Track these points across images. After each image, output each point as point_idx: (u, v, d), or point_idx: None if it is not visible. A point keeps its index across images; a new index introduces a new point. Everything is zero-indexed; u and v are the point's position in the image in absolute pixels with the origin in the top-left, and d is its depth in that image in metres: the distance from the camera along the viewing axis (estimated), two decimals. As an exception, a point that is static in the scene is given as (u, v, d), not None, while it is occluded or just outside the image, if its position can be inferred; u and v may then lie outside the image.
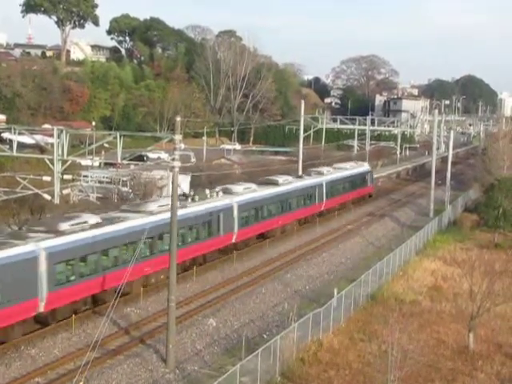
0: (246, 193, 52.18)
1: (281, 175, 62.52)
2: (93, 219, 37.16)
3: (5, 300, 29.62)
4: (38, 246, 32.22)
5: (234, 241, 49.17)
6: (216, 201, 47.85)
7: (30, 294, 31.28)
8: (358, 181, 76.91)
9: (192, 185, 64.30)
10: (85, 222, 36.30)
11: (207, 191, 48.99)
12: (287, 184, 59.19)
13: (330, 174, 69.69)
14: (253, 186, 54.61)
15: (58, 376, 28.90)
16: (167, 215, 34.06)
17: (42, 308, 32.28)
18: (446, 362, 32.99)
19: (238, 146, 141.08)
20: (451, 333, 36.85)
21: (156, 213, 40.83)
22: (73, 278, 34.31)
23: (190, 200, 46.19)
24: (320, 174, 68.32)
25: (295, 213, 59.75)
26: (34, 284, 31.45)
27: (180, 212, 35.88)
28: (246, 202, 50.59)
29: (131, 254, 36.15)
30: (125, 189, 62.50)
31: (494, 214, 63.36)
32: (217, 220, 46.83)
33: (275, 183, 57.91)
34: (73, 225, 35.44)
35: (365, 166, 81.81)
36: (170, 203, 31.19)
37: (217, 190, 50.46)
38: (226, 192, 50.76)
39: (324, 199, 65.55)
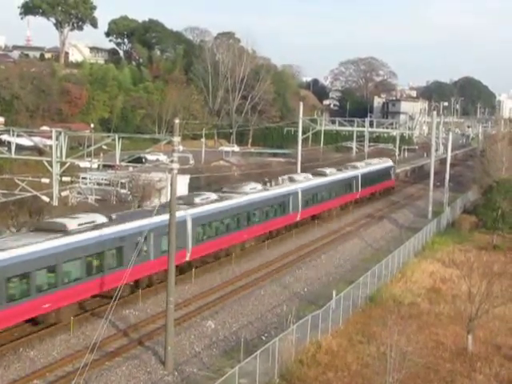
0: (306, 181, 62.65)
1: (328, 167, 73.77)
2: (213, 196, 48.50)
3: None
4: (187, 212, 42.77)
5: (298, 219, 59.33)
6: (287, 186, 58.10)
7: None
8: (384, 174, 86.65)
9: (190, 187, 64.32)
10: (208, 198, 47.54)
11: (280, 179, 59.35)
12: (333, 175, 69.62)
13: (363, 168, 78.95)
14: (309, 175, 65.08)
15: (56, 378, 28.89)
16: (256, 195, 52.28)
17: (188, 257, 42.85)
18: (445, 364, 33.00)
19: (236, 148, 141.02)
20: (450, 334, 36.86)
21: (249, 193, 52.10)
22: (206, 236, 45.35)
23: (269, 185, 56.88)
24: (355, 167, 77.68)
25: (340, 198, 70.36)
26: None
27: (265, 193, 53.94)
28: (306, 188, 60.91)
29: (237, 222, 49.24)
30: (123, 191, 62.48)
31: (492, 216, 63.41)
32: (288, 201, 57.18)
33: (324, 174, 68.11)
34: (202, 199, 46.55)
35: (389, 162, 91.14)
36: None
37: (283, 177, 60.62)
38: (292, 180, 61.09)
39: (360, 189, 75.55)
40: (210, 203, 47.26)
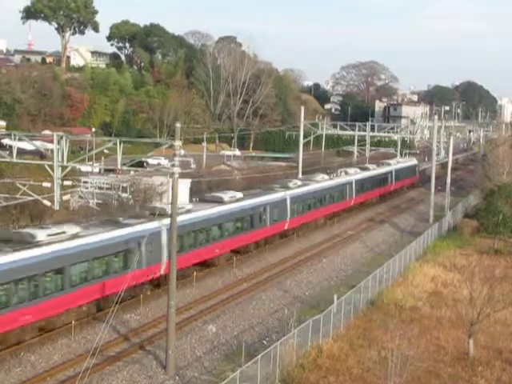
0: (359, 173, 76.87)
1: (370, 164, 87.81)
2: (299, 182, 62.51)
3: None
4: (286, 193, 57.27)
5: (352, 204, 71.98)
6: (344, 178, 71.63)
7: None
8: (411, 170, 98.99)
9: (191, 191, 64.27)
10: (296, 183, 61.67)
11: (338, 171, 73.91)
12: (375, 170, 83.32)
13: (395, 165, 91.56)
14: (358, 170, 78.79)
15: (57, 382, 28.89)
16: (325, 183, 66.29)
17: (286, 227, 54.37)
18: (446, 368, 32.96)
19: (237, 152, 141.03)
20: (451, 339, 36.82)
21: (321, 181, 66.47)
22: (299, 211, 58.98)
23: (332, 175, 71.27)
24: (389, 164, 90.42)
25: (380, 189, 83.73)
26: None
27: (330, 182, 68.13)
28: (359, 179, 75.24)
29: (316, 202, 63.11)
30: (125, 195, 62.41)
31: (493, 220, 63.38)
32: (345, 189, 70.59)
33: (368, 169, 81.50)
34: (293, 184, 60.39)
35: (414, 161, 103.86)
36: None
37: (341, 170, 74.63)
38: (347, 173, 74.64)
39: (393, 182, 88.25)
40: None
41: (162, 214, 40.13)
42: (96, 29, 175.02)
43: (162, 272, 40.67)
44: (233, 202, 49.57)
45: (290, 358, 31.33)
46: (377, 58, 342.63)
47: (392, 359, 28.57)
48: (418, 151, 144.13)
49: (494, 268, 51.66)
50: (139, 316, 37.28)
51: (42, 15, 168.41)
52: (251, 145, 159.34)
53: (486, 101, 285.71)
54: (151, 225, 39.74)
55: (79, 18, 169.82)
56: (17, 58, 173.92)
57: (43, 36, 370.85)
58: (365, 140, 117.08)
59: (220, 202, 48.71)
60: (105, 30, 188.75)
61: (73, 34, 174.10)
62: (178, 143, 31.20)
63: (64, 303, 32.89)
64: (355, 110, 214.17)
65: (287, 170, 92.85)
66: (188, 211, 44.24)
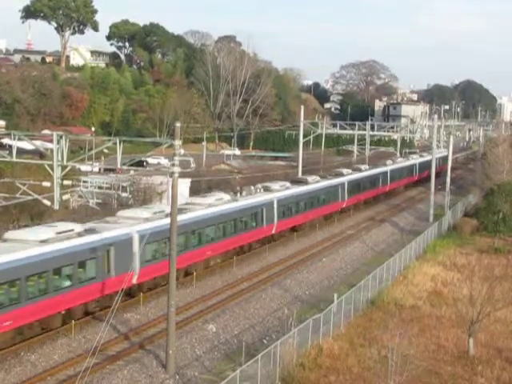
0: (392, 164, 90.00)
1: (400, 157, 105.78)
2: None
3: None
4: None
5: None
6: (376, 168, 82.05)
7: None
8: (442, 162, 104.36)
9: (191, 190, 64.30)
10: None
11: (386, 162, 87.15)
12: (402, 163, 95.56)
13: (419, 158, 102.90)
14: (389, 161, 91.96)
15: (57, 382, 28.89)
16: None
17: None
18: (446, 367, 32.97)
19: (237, 152, 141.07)
20: (451, 338, 36.83)
21: (348, 175, 73.43)
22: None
23: (363, 168, 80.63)
24: (414, 158, 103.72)
25: (406, 179, 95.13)
26: None
27: (359, 174, 76.65)
28: (393, 170, 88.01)
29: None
30: (124, 194, 62.47)
31: (493, 219, 63.43)
32: (378, 179, 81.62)
33: (386, 163, 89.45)
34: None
35: (445, 152, 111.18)
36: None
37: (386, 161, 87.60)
38: (383, 164, 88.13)
39: (417, 173, 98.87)
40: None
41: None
42: (95, 28, 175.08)
43: (274, 232, 54.37)
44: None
45: (290, 357, 31.32)
46: (376, 57, 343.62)
47: (392, 358, 28.56)
48: (418, 150, 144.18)
49: (493, 267, 51.71)
50: (139, 315, 37.29)
51: (42, 15, 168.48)
52: (251, 144, 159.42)
53: (485, 100, 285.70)
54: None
55: (79, 18, 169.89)
56: (16, 58, 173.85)
57: (43, 35, 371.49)
58: (364, 139, 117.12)
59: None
60: (104, 30, 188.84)
61: (72, 33, 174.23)
62: (177, 142, 31.21)
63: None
64: (355, 109, 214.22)
65: (287, 169, 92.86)
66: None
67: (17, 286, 30.86)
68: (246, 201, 51.78)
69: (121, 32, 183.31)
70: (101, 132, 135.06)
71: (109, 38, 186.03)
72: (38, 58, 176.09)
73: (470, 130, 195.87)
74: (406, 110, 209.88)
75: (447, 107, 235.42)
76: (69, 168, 52.99)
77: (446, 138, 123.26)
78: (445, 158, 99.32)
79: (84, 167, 73.47)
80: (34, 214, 50.36)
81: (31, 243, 32.56)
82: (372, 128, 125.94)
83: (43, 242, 33.20)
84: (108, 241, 36.35)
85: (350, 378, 30.89)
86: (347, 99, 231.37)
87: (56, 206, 50.24)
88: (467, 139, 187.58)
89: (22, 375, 29.20)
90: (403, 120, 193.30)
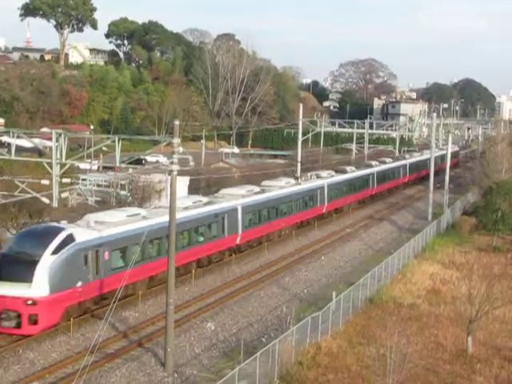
0: (412, 158, 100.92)
1: (425, 150, 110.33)
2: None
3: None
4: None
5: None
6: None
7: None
8: (453, 156, 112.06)
9: (190, 188, 64.27)
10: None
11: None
12: (426, 155, 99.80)
13: (437, 152, 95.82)
14: (414, 153, 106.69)
15: (56, 380, 28.86)
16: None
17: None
18: (445, 366, 32.99)
19: (236, 150, 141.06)
20: (450, 336, 36.84)
21: (376, 166, 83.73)
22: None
23: (387, 161, 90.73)
24: (428, 152, 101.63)
25: (422, 171, 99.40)
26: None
27: (384, 166, 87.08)
28: (411, 163, 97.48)
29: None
30: (123, 192, 62.41)
31: (492, 218, 63.41)
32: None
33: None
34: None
35: (456, 148, 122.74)
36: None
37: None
38: (400, 159, 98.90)
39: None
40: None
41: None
42: (94, 26, 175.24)
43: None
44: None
45: (289, 355, 31.32)
46: (375, 56, 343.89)
47: (391, 356, 28.55)
48: (417, 149, 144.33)
49: (492, 265, 51.85)
50: (138, 313, 37.28)
51: (41, 12, 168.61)
52: (250, 142, 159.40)
53: (484, 98, 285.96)
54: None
55: (77, 16, 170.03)
56: (15, 56, 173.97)
57: (42, 33, 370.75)
58: (363, 137, 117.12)
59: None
60: (103, 28, 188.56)
61: (71, 31, 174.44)
62: (176, 141, 31.14)
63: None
64: (354, 108, 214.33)
65: (286, 167, 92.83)
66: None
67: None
68: (305, 185, 62.50)
69: (120, 30, 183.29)
70: (99, 130, 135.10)
71: (108, 35, 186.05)
72: (37, 55, 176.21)
73: (468, 129, 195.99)
74: (404, 108, 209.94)
75: (446, 106, 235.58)
76: (68, 166, 53.04)
77: (444, 136, 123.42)
78: (453, 154, 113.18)
79: (83, 165, 73.46)
80: (33, 212, 50.21)
81: (178, 209, 36.42)
82: (371, 126, 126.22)
83: (185, 208, 43.14)
84: (223, 210, 47.13)
85: (349, 377, 30.90)
86: (346, 97, 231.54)
87: (55, 204, 50.25)
88: (466, 138, 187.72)
89: (21, 373, 29.17)
90: (402, 118, 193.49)
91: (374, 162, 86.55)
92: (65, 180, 54.18)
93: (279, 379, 30.17)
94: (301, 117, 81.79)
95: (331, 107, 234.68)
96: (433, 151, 78.21)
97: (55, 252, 32.43)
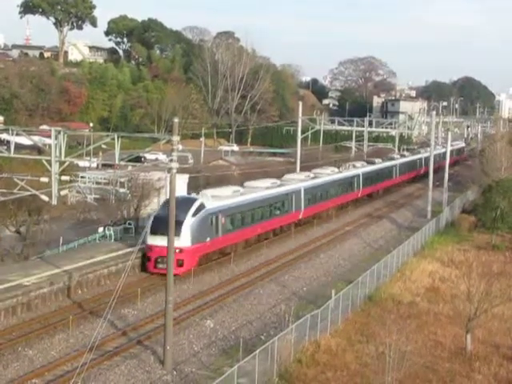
0: (425, 153, 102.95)
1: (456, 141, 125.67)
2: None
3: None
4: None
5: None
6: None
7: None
8: (460, 151, 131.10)
9: (189, 186, 64.25)
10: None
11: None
12: (438, 150, 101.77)
13: (452, 146, 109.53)
14: (421, 150, 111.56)
15: (55, 377, 28.86)
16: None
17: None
18: (444, 364, 32.99)
19: (235, 148, 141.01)
20: (449, 334, 36.86)
21: (398, 159, 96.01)
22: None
23: (406, 154, 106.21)
24: (444, 146, 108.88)
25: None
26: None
27: (403, 159, 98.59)
28: (426, 158, 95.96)
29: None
30: (122, 190, 62.33)
31: (491, 216, 63.40)
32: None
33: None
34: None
35: (463, 144, 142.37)
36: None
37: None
38: (416, 153, 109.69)
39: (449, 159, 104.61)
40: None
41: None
42: (94, 24, 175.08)
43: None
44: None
45: (288, 353, 31.35)
46: (375, 54, 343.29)
47: (390, 354, 28.57)
48: (416, 147, 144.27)
49: (491, 263, 51.80)
50: (137, 311, 37.28)
51: (40, 10, 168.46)
52: (249, 140, 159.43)
53: (483, 96, 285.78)
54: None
55: (77, 13, 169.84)
56: (15, 53, 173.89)
57: (41, 31, 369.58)
58: (363, 135, 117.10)
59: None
60: (103, 25, 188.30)
61: (71, 28, 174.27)
62: (175, 138, 31.12)
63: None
64: (353, 106, 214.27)
65: (285, 165, 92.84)
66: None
67: (260, 211, 53.25)
68: (345, 173, 74.51)
69: (119, 27, 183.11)
70: (99, 127, 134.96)
71: (107, 33, 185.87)
72: (37, 53, 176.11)
73: (468, 127, 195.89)
74: (404, 106, 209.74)
75: (445, 104, 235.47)
76: (67, 163, 52.89)
77: (444, 134, 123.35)
78: (460, 150, 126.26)
79: (82, 163, 73.34)
80: (32, 210, 50.20)
81: (261, 188, 54.99)
82: (370, 124, 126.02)
83: (267, 188, 55.86)
84: (292, 190, 58.87)
85: (348, 375, 30.90)
86: (345, 95, 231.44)
87: (54, 202, 50.17)
88: (465, 136, 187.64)
89: (20, 371, 29.18)
90: (401, 116, 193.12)
91: (396, 155, 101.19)
92: (64, 178, 54.12)
93: (278, 377, 30.17)
94: (300, 115, 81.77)
95: (330, 105, 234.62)
96: (432, 149, 78.19)
97: (194, 215, 43.60)
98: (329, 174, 69.80)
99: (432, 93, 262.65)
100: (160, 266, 41.84)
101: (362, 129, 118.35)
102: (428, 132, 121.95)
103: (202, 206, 44.66)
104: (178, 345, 32.81)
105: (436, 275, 49.28)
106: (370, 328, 37.03)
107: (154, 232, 42.65)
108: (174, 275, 33.57)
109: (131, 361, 30.69)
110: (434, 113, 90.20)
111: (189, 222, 43.21)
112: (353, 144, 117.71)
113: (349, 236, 61.77)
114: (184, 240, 42.60)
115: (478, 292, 35.21)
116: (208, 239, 45.05)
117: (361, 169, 78.56)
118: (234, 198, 49.85)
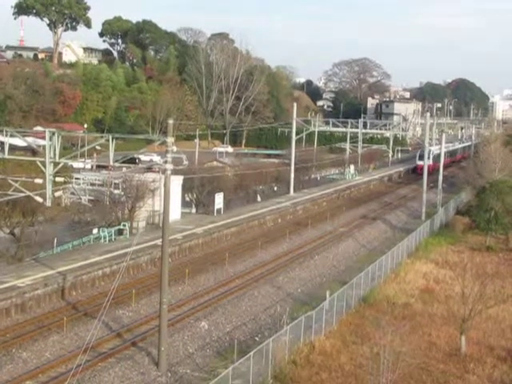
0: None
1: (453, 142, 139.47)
2: None
3: None
4: None
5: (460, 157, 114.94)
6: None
7: None
8: (466, 148, 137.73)
9: (184, 187, 64.21)
10: None
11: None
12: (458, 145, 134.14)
13: (464, 143, 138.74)
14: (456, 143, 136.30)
15: (49, 379, 28.80)
16: None
17: None
18: (438, 365, 33.01)
19: (230, 149, 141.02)
20: (443, 335, 36.88)
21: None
22: None
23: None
24: (455, 141, 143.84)
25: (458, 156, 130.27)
26: None
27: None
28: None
29: None
30: (117, 191, 62.26)
31: (485, 217, 63.44)
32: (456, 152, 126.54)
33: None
34: None
35: (468, 142, 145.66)
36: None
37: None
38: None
39: (458, 155, 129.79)
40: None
41: None
42: (88, 25, 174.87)
43: None
44: None
45: (283, 354, 31.34)
46: (369, 55, 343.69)
47: (384, 356, 28.58)
48: (410, 148, 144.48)
49: (485, 265, 51.93)
50: (131, 312, 37.24)
51: (34, 11, 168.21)
52: (243, 141, 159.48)
53: (477, 98, 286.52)
54: None
55: (71, 14, 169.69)
56: (9, 54, 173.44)
57: (35, 32, 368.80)
58: (357, 137, 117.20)
59: None
60: (97, 26, 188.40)
61: (65, 30, 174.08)
62: (170, 139, 31.10)
63: None
64: (347, 107, 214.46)
65: (280, 166, 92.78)
66: None
67: None
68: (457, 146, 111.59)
69: (113, 29, 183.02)
70: (93, 129, 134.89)
71: (101, 34, 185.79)
72: (31, 54, 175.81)
73: (462, 128, 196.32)
74: (398, 107, 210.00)
75: (440, 105, 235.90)
76: (61, 165, 52.72)
77: (438, 135, 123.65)
78: (464, 148, 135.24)
79: (76, 164, 73.21)
80: (26, 211, 50.10)
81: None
82: (364, 126, 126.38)
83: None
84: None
85: (342, 376, 30.91)
86: (340, 97, 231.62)
87: (48, 203, 50.02)
88: (459, 137, 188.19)
89: (14, 372, 29.11)
90: (396, 118, 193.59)
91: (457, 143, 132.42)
92: (58, 179, 53.95)
93: (273, 378, 30.18)
94: (295, 116, 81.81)
95: (325, 106, 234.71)
96: (426, 150, 78.29)
97: None
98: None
99: (426, 94, 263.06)
100: None
101: (357, 130, 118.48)
102: (422, 133, 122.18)
103: None
104: (172, 346, 32.78)
105: (430, 276, 49.32)
106: (364, 329, 37.04)
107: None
108: None
109: (126, 362, 30.65)
110: (428, 114, 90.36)
111: None
112: (347, 145, 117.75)
113: (343, 237, 61.78)
114: None
115: (473, 293, 35.24)
116: None
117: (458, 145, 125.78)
118: None
